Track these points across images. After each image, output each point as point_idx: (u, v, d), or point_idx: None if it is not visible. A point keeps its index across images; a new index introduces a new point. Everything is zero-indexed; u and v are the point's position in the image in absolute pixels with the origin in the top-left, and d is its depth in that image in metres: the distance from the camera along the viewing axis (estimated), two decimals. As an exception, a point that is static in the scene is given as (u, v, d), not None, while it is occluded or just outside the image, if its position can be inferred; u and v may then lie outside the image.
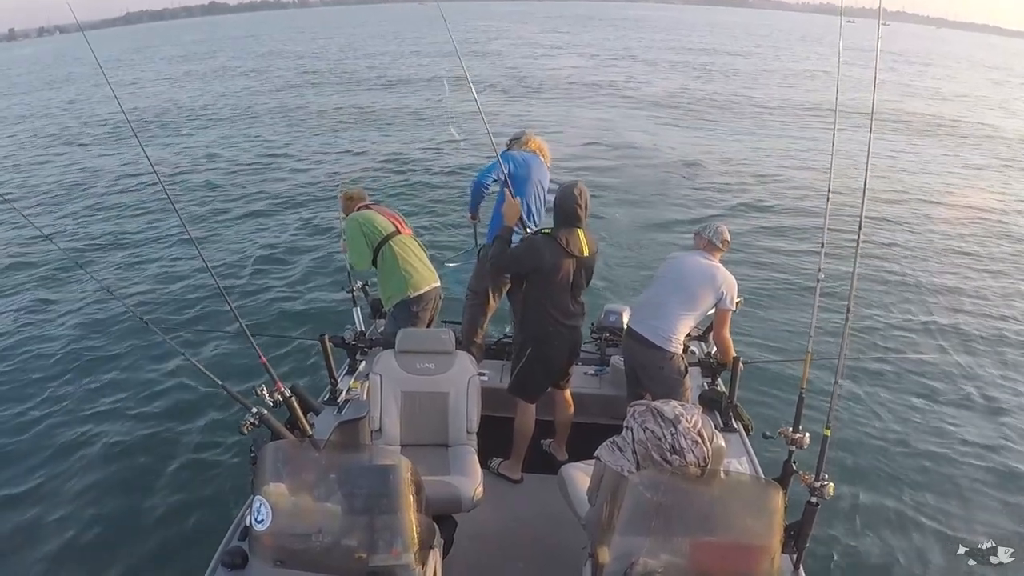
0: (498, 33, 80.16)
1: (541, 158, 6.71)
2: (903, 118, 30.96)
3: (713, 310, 5.60)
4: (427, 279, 6.44)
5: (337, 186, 7.48)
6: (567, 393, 5.99)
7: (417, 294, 6.37)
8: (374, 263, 6.50)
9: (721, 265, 5.55)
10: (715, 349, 5.95)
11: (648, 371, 5.57)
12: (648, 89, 37.78)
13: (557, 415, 6.04)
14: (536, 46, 65.56)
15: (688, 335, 6.16)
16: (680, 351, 5.55)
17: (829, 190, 4.62)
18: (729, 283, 5.44)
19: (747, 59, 58.45)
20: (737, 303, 5.96)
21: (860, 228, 4.19)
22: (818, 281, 4.48)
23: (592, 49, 63.72)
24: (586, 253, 5.41)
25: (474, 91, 6.57)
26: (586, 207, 5.37)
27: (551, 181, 6.70)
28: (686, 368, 5.60)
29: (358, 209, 6.63)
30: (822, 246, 4.58)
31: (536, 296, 5.46)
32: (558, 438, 6.13)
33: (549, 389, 5.82)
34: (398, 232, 6.46)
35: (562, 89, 37.47)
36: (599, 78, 42.18)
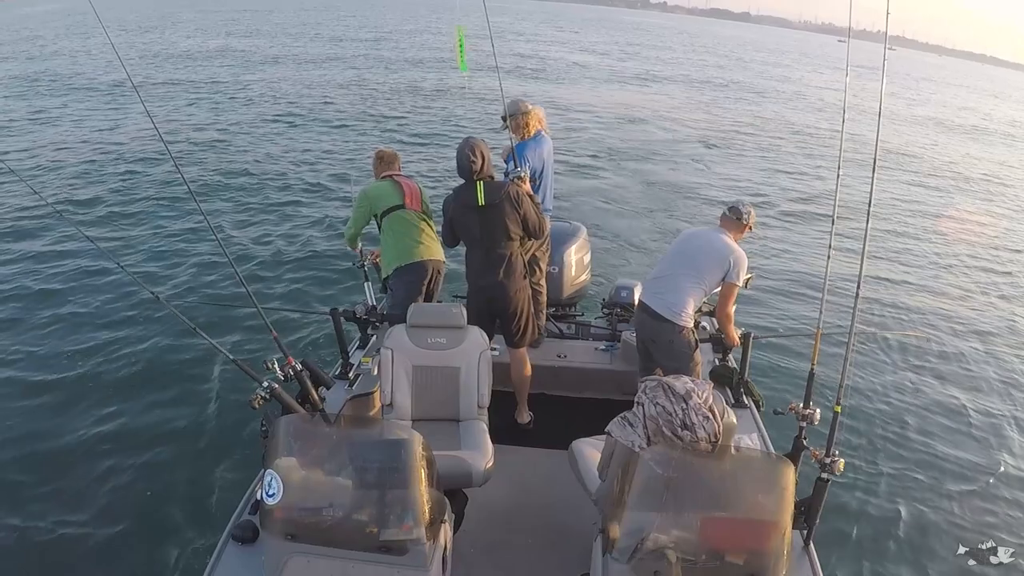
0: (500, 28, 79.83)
1: (544, 133, 6.69)
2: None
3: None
4: (422, 251, 6.43)
5: (361, 156, 7.51)
6: (519, 352, 5.99)
7: (408, 263, 6.39)
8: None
9: (732, 240, 5.52)
10: None
11: (659, 344, 5.58)
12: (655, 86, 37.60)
13: (511, 375, 6.04)
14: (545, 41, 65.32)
15: (700, 311, 6.16)
16: (691, 325, 5.54)
17: (839, 166, 4.59)
18: (738, 257, 5.41)
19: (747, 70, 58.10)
20: (748, 279, 5.94)
21: (870, 203, 4.16)
22: (828, 257, 4.46)
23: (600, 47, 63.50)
24: (481, 203, 5.50)
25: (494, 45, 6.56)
26: (482, 160, 5.51)
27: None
28: (696, 342, 5.58)
29: (382, 177, 6.67)
30: (832, 222, 4.56)
31: (465, 249, 5.84)
32: (518, 399, 6.14)
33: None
34: (403, 206, 6.46)
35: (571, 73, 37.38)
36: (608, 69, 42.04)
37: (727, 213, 5.64)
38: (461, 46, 7.20)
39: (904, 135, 26.19)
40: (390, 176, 6.63)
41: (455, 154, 5.60)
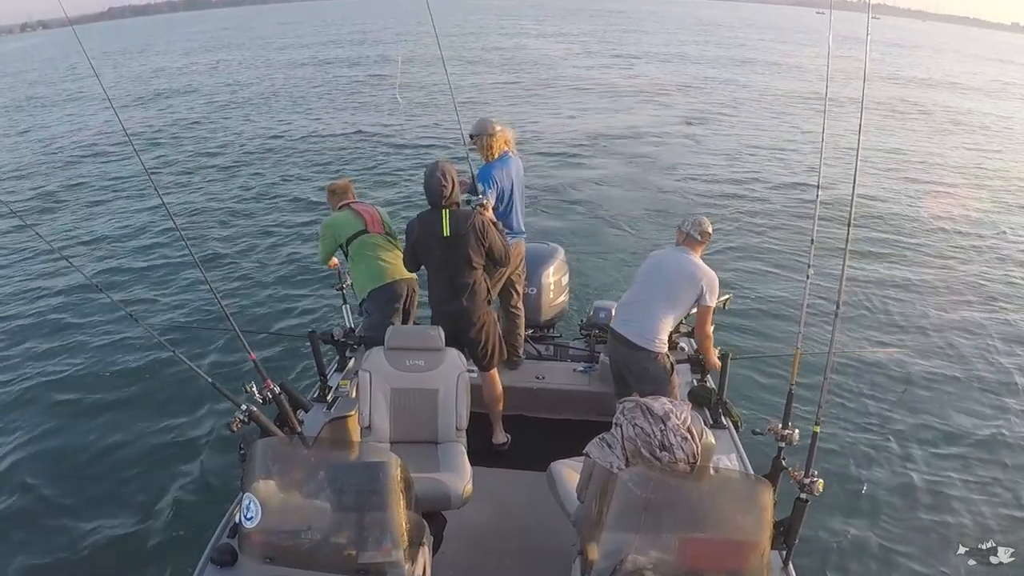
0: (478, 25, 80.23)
1: (511, 154, 6.61)
2: (896, 107, 31.17)
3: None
4: (392, 271, 6.43)
5: (333, 179, 7.52)
6: (491, 374, 5.98)
7: (381, 284, 6.39)
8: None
9: (701, 261, 5.51)
10: None
11: (633, 371, 5.58)
12: (632, 79, 37.79)
13: (483, 396, 6.02)
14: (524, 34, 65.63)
15: (677, 331, 6.18)
16: (665, 350, 5.53)
17: (819, 184, 4.63)
18: (709, 279, 5.41)
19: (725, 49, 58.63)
20: (726, 300, 5.97)
21: (849, 224, 4.19)
22: (807, 277, 4.48)
23: (577, 39, 63.87)
24: (446, 234, 5.49)
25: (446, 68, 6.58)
26: (452, 186, 5.48)
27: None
28: (672, 366, 5.58)
29: (339, 208, 6.71)
30: (812, 242, 4.58)
31: (428, 274, 5.81)
32: (492, 420, 6.13)
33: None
34: (366, 230, 6.48)
35: (544, 77, 37.55)
36: (581, 67, 42.30)
37: (687, 232, 5.57)
38: (399, 75, 7.26)
39: (896, 130, 26.38)
40: (347, 205, 6.67)
41: (423, 178, 5.57)
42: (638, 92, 33.44)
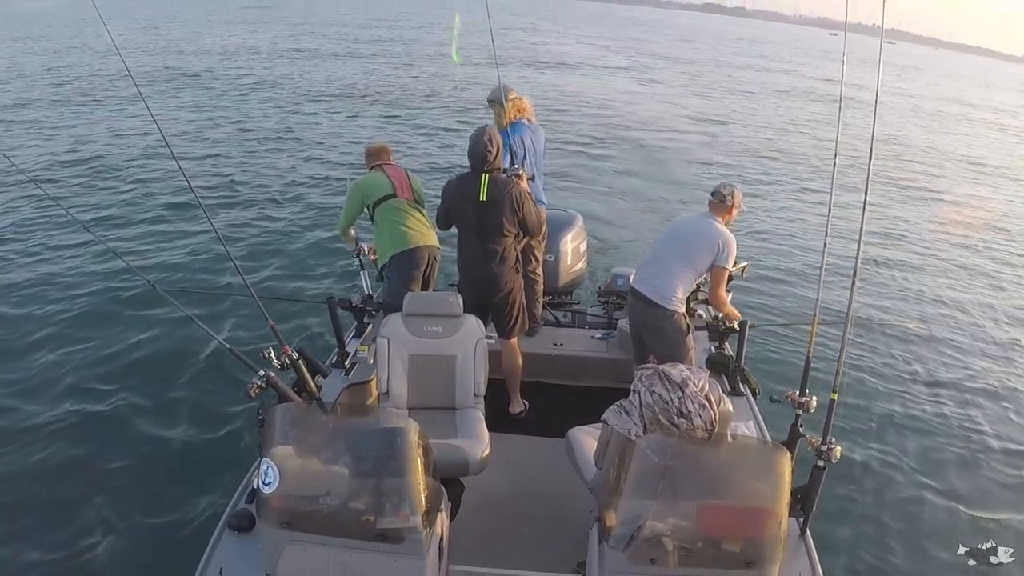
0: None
1: (527, 122, 6.65)
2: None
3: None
4: (415, 238, 6.43)
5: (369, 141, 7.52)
6: (511, 342, 5.97)
7: (402, 250, 6.40)
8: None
9: (722, 225, 5.52)
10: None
11: (650, 329, 5.61)
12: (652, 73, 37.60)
13: (503, 365, 6.02)
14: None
15: (695, 298, 6.17)
16: (682, 310, 5.54)
17: (835, 153, 4.59)
18: (726, 240, 5.41)
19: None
20: (744, 268, 5.96)
21: (867, 191, 4.16)
22: (825, 245, 4.46)
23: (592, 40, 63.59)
24: (482, 198, 5.48)
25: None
26: (497, 152, 5.49)
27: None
28: (688, 327, 5.59)
29: (372, 169, 6.71)
30: (829, 210, 4.56)
31: (458, 237, 5.79)
32: (509, 390, 6.12)
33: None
34: (394, 195, 6.47)
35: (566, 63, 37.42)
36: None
37: (711, 198, 5.64)
38: (456, 36, 7.17)
39: (904, 125, 26.21)
40: (380, 166, 6.65)
41: (468, 141, 5.58)
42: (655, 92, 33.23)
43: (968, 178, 17.94)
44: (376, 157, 6.80)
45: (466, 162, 5.66)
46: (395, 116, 22.75)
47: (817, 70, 53.63)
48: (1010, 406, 8.19)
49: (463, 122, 21.41)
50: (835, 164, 4.67)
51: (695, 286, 5.89)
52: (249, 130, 20.62)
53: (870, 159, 4.21)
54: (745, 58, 61.17)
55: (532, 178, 6.32)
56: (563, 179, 15.41)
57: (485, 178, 5.48)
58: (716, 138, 21.12)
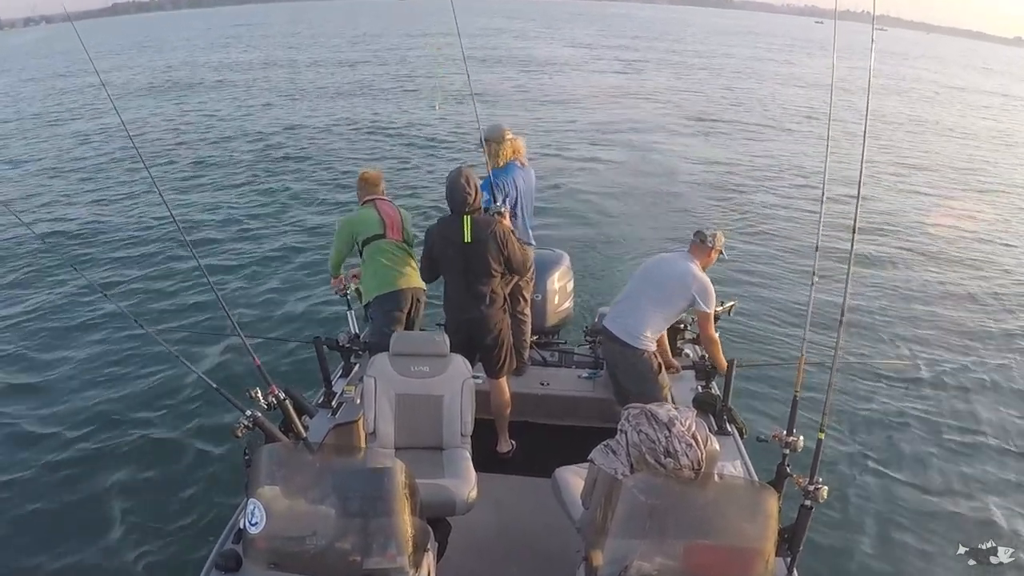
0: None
1: (519, 164, 6.67)
2: (898, 120, 31.21)
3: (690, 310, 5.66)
4: (400, 281, 6.42)
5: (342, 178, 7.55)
6: (500, 382, 5.96)
7: (387, 292, 6.39)
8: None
9: (697, 268, 5.55)
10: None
11: (620, 367, 5.67)
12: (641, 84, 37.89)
13: (491, 404, 6.01)
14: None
15: (683, 337, 6.19)
16: (652, 348, 5.57)
17: (823, 193, 4.64)
18: (700, 285, 5.44)
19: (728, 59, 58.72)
20: (730, 307, 6.01)
21: (854, 232, 4.20)
22: (812, 284, 4.49)
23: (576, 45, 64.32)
24: (467, 240, 5.48)
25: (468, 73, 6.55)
26: (475, 193, 5.48)
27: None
28: (660, 366, 5.62)
29: (364, 203, 6.68)
30: (816, 249, 4.59)
31: (445, 280, 5.80)
32: (497, 429, 6.10)
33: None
34: (383, 235, 6.47)
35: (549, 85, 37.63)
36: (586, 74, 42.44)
37: (693, 239, 5.68)
38: (438, 74, 7.21)
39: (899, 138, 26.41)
40: (373, 202, 6.65)
41: (445, 184, 5.56)
42: (644, 97, 33.55)
43: (962, 209, 18.04)
44: (372, 187, 6.73)
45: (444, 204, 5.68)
46: (386, 149, 22.78)
47: (804, 69, 53.83)
48: (1001, 443, 8.21)
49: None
50: (822, 203, 4.71)
51: (678, 323, 5.94)
52: (236, 165, 20.62)
53: (858, 199, 4.25)
54: (734, 60, 61.38)
55: (514, 215, 6.36)
56: (547, 211, 15.48)
57: (467, 219, 5.47)
58: (699, 162, 21.19)
